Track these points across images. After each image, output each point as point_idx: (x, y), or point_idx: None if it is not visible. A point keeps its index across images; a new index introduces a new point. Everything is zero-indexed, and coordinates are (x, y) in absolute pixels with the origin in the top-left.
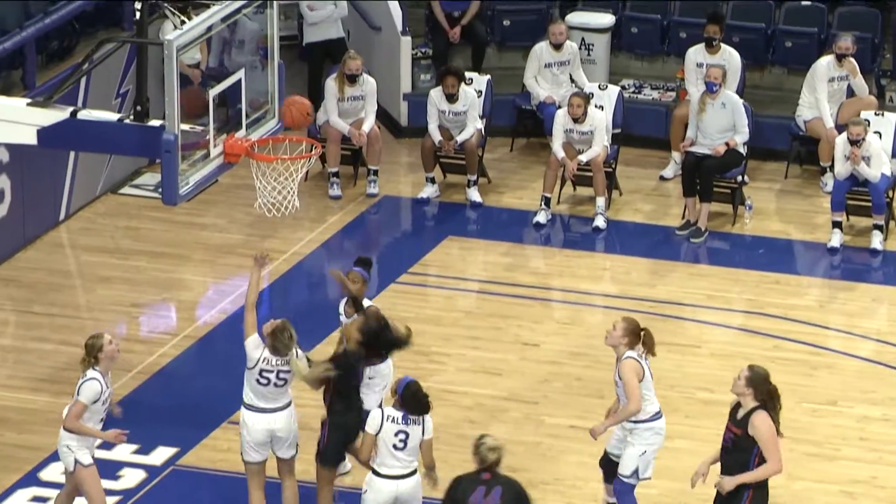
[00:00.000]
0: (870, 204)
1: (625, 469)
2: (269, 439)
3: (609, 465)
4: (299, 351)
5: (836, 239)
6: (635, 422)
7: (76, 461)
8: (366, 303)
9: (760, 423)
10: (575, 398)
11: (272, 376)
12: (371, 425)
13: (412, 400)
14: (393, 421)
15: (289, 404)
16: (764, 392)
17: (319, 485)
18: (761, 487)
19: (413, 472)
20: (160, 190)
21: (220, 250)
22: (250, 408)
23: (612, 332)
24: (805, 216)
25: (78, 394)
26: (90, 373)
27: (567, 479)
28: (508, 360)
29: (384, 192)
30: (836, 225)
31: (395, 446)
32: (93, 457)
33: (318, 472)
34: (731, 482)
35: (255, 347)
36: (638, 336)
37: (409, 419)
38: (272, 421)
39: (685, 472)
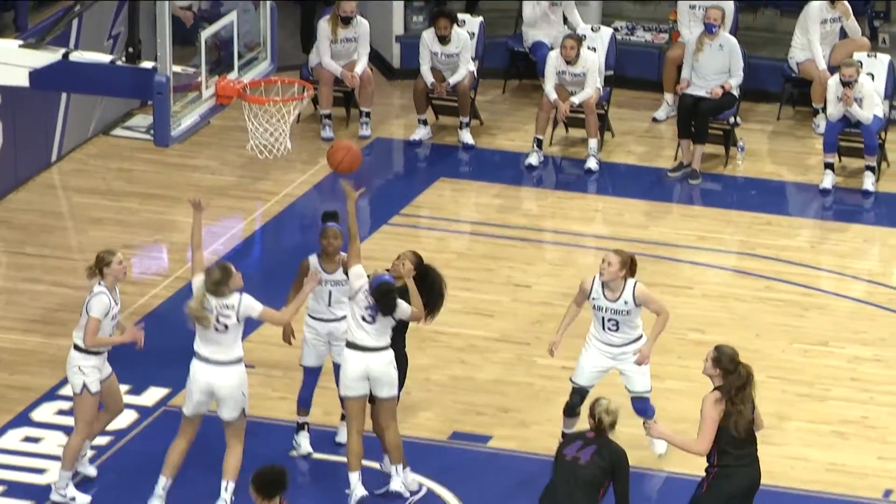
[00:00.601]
0: (862, 145)
1: (644, 386)
2: (210, 393)
3: (580, 398)
4: (244, 298)
5: (828, 180)
6: (630, 343)
7: (84, 385)
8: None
9: (703, 402)
10: (567, 339)
11: (213, 318)
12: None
13: (382, 300)
14: (367, 297)
15: (237, 361)
16: (732, 371)
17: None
18: (722, 476)
19: (385, 348)
20: (152, 132)
21: (212, 192)
22: (196, 354)
23: (607, 267)
24: (797, 157)
25: (88, 311)
26: (97, 288)
27: (559, 419)
28: (500, 302)
29: (376, 133)
30: (828, 166)
31: (363, 318)
32: (101, 383)
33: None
34: (656, 430)
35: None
36: (631, 265)
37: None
38: (214, 375)
39: (678, 413)
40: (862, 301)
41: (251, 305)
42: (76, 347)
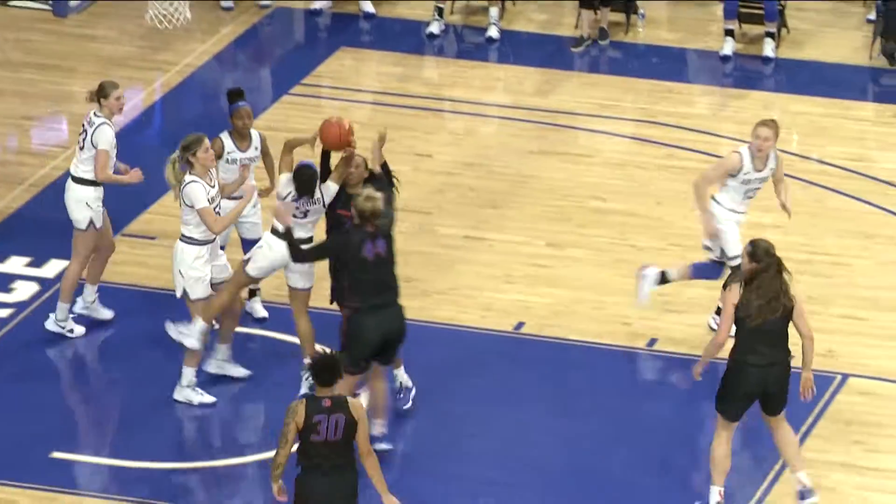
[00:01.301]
0: (762, 12)
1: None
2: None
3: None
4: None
5: (729, 47)
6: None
7: (91, 221)
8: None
9: (723, 295)
10: (468, 208)
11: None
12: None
13: (303, 185)
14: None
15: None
16: (766, 262)
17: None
18: (730, 369)
19: (310, 240)
20: (51, 2)
21: (112, 62)
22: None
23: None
24: (698, 24)
25: (95, 144)
26: (96, 119)
27: (461, 288)
28: (402, 171)
29: (277, 3)
30: (729, 33)
31: (294, 215)
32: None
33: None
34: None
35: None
36: None
37: (302, 199)
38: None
39: (578, 280)
40: None
41: (195, 196)
42: (81, 181)
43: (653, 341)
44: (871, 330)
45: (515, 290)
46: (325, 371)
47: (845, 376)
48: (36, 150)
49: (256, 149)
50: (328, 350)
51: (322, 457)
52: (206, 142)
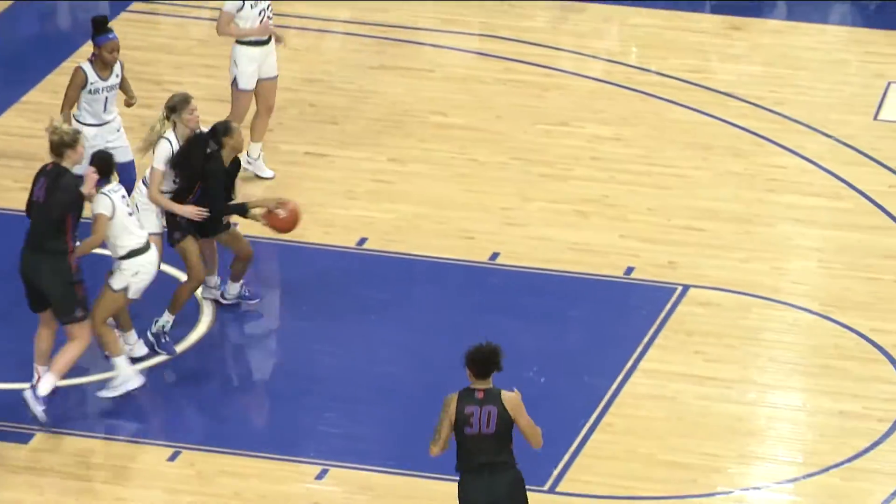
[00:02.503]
0: None
1: None
2: None
3: None
4: None
5: None
6: None
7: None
8: None
9: None
10: (309, 125)
11: None
12: (104, 208)
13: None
14: (123, 197)
15: None
16: None
17: None
18: None
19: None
20: None
21: None
22: None
23: None
24: None
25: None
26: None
27: (306, 204)
28: None
29: None
30: None
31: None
32: None
33: None
34: None
35: None
36: None
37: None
38: None
39: (420, 195)
40: (601, 80)
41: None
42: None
43: (495, 255)
44: (710, 241)
45: (358, 206)
46: (484, 363)
47: (686, 287)
48: None
49: (117, 76)
50: (489, 341)
51: (477, 452)
52: (193, 102)
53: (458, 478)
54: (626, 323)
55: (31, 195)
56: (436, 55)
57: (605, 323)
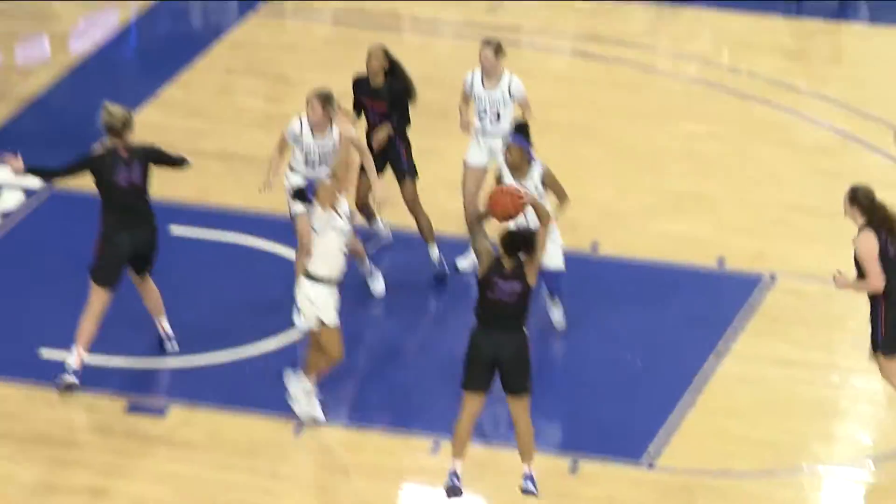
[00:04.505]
0: None
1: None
2: None
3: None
4: None
5: None
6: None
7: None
8: None
9: (858, 243)
10: (420, 119)
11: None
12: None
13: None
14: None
15: None
16: (869, 206)
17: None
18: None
19: None
20: None
21: None
22: None
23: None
24: None
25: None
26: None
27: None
28: None
29: None
30: None
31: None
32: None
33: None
34: (842, 282)
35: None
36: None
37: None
38: None
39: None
40: (696, 80)
41: None
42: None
43: (595, 245)
44: (798, 233)
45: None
46: (515, 243)
47: (774, 276)
48: (19, 66)
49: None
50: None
51: (494, 314)
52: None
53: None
54: (718, 309)
55: (115, 180)
56: (540, 55)
57: (698, 309)
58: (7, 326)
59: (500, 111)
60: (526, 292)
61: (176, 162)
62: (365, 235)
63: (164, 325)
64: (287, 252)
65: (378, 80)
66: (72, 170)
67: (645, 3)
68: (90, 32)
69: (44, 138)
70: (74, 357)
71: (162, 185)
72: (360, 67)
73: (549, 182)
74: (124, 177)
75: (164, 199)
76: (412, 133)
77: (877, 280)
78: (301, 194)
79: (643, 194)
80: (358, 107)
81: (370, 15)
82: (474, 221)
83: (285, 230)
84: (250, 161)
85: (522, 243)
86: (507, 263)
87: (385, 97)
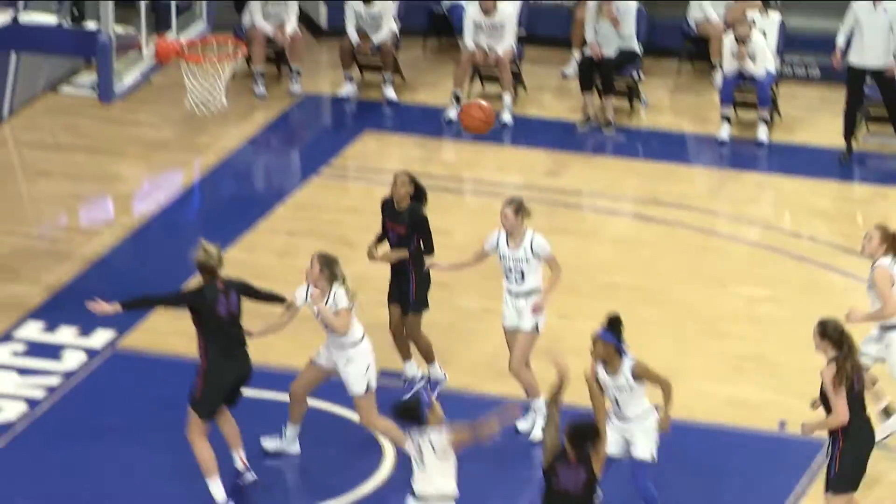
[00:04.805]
0: (755, 99)
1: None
2: None
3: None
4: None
5: (725, 131)
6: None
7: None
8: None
9: (823, 376)
10: (485, 281)
11: None
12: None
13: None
14: None
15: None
16: (838, 340)
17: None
18: (854, 436)
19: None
20: (97, 89)
21: (154, 146)
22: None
23: (867, 243)
24: (696, 110)
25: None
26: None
27: (478, 357)
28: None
29: (306, 90)
30: (725, 118)
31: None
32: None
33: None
34: (808, 427)
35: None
36: (892, 242)
37: None
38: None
39: (588, 350)
40: (757, 244)
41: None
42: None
43: (655, 406)
44: None
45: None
46: (580, 433)
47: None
48: (83, 227)
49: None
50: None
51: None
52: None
53: None
54: (779, 474)
55: (217, 312)
56: (601, 218)
57: (759, 474)
58: (65, 486)
59: (524, 270)
60: (591, 481)
61: (267, 297)
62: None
63: (242, 456)
64: (347, 412)
65: (402, 205)
66: (171, 301)
67: (706, 167)
68: (154, 194)
69: (104, 297)
70: (217, 489)
71: None
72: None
73: (641, 373)
74: (224, 307)
75: None
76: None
77: (843, 414)
78: (412, 412)
79: (704, 357)
80: (384, 228)
81: (433, 178)
82: (549, 405)
83: (339, 389)
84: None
85: (588, 434)
86: (573, 454)
87: (405, 221)
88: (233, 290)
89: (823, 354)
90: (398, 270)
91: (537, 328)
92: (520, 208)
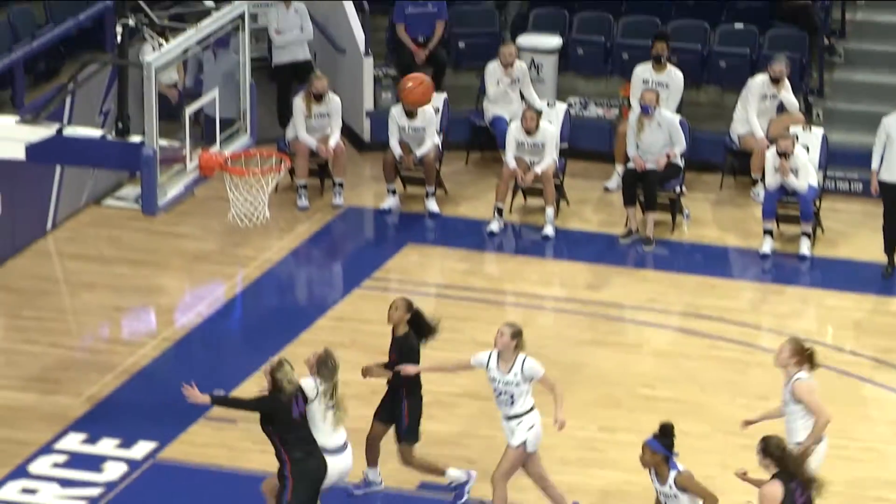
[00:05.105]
0: (798, 213)
1: None
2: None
3: None
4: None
5: (768, 245)
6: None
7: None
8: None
9: (763, 493)
10: None
11: None
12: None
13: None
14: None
15: None
16: (780, 456)
17: None
18: None
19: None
20: (140, 201)
21: (196, 258)
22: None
23: (778, 354)
24: (739, 224)
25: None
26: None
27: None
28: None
29: (349, 202)
30: (768, 232)
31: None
32: None
33: None
34: None
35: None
36: (804, 355)
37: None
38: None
39: (629, 463)
40: None
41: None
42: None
43: None
44: None
45: (569, 470)
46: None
47: None
48: (126, 339)
49: None
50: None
51: None
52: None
53: None
54: None
55: (294, 417)
56: (644, 332)
57: None
58: None
59: (513, 394)
60: None
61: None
62: None
63: None
64: None
65: (399, 332)
66: (258, 406)
67: (749, 280)
68: (196, 306)
69: (145, 409)
70: None
71: (259, 455)
72: (464, 343)
73: (684, 485)
74: (297, 411)
75: (260, 470)
76: None
77: None
78: None
79: (748, 471)
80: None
81: (475, 290)
82: None
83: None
84: (353, 432)
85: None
86: None
87: (395, 349)
88: (297, 391)
89: (765, 471)
90: (392, 389)
91: (525, 445)
92: (517, 334)
